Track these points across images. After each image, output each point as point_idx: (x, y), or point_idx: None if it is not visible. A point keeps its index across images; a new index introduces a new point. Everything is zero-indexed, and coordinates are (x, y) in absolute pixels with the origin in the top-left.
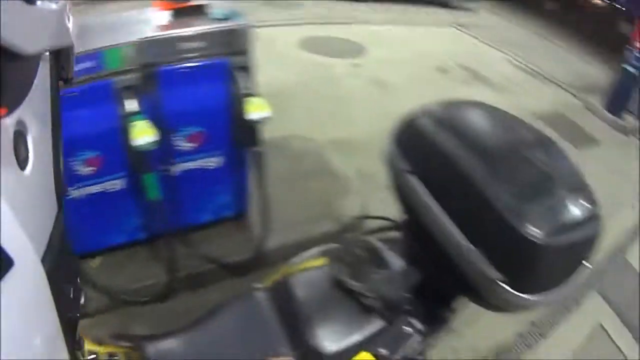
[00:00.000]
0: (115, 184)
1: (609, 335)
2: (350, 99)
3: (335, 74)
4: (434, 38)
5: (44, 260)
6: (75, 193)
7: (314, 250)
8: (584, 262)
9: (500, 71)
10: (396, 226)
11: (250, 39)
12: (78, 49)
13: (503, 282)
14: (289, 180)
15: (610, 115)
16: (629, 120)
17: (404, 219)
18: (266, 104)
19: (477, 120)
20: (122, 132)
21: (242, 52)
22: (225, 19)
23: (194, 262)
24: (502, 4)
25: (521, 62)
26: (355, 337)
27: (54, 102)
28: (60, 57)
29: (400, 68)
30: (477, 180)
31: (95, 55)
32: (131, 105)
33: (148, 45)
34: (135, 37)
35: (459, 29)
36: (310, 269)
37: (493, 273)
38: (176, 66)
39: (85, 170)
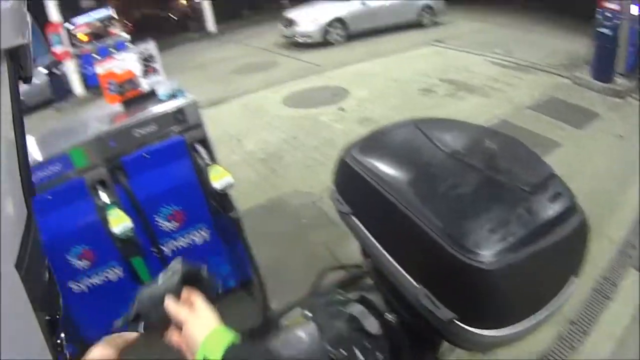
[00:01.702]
0: (114, 272)
1: None
2: (340, 143)
3: (321, 123)
4: (413, 61)
5: (17, 266)
6: (79, 287)
7: (296, 310)
8: (571, 274)
9: (484, 74)
10: (365, 273)
11: (198, 113)
12: (44, 155)
13: (460, 320)
14: (291, 236)
15: (600, 84)
16: (621, 82)
17: (367, 265)
18: (227, 171)
19: (408, 141)
20: (103, 224)
21: (195, 125)
22: (172, 97)
23: None
24: (476, 9)
25: (502, 59)
26: None
27: (14, 103)
28: (18, 56)
29: (384, 101)
30: (406, 208)
31: (62, 157)
32: (104, 197)
33: (107, 138)
34: (94, 134)
35: (436, 45)
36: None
37: (445, 312)
38: (138, 153)
39: (81, 264)
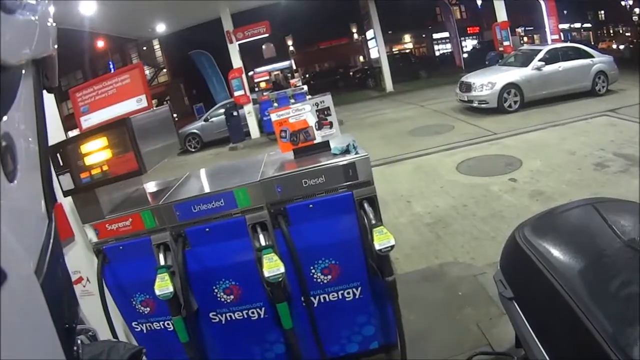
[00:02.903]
0: (257, 312)
1: None
2: (509, 216)
3: (492, 193)
4: (587, 132)
5: (37, 272)
6: (218, 318)
7: None
8: None
9: None
10: None
11: (370, 170)
12: (210, 189)
13: None
14: (444, 306)
15: None
16: None
17: (519, 354)
18: (390, 233)
19: (584, 225)
20: (257, 264)
21: (364, 183)
22: (345, 152)
23: None
24: None
25: None
26: None
27: (39, 112)
28: (43, 66)
29: (558, 174)
30: (575, 302)
31: (227, 194)
32: (262, 239)
33: (274, 183)
34: (262, 177)
35: (610, 115)
36: None
37: None
38: (303, 202)
39: (226, 297)
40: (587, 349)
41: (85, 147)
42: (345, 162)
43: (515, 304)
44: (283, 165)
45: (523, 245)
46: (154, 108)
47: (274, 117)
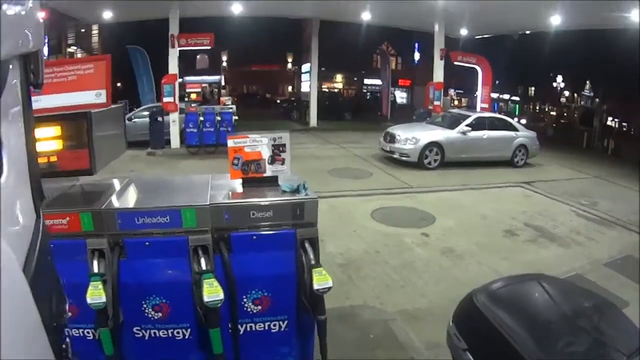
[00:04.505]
0: (182, 333)
1: None
2: (420, 268)
3: (404, 244)
4: (501, 200)
5: (25, 270)
6: (141, 333)
7: None
8: None
9: (567, 224)
10: None
11: (316, 212)
12: (157, 203)
13: None
14: (356, 348)
15: None
16: None
17: None
18: (329, 275)
19: (533, 296)
20: (193, 287)
21: (309, 224)
22: (294, 191)
23: None
24: (567, 156)
25: (586, 211)
26: None
27: (26, 109)
28: (29, 62)
29: (469, 235)
30: (526, 355)
31: (173, 212)
32: (203, 263)
33: (223, 210)
34: (210, 201)
35: (525, 187)
36: None
37: None
38: (248, 232)
39: (154, 314)
40: None
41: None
42: (294, 201)
43: (469, 354)
44: (232, 192)
45: (480, 306)
46: (111, 106)
47: (230, 143)
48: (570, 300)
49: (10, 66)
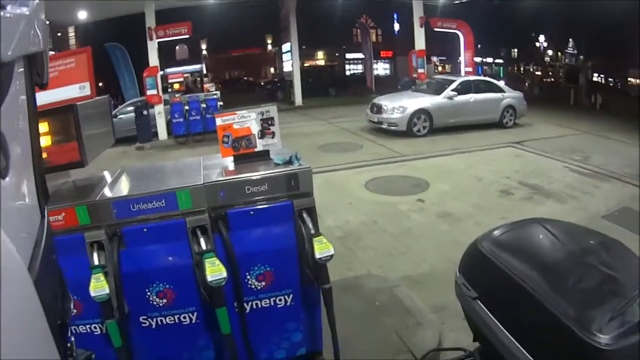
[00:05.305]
0: (188, 317)
1: None
2: (418, 234)
3: (401, 211)
4: (494, 161)
5: (30, 269)
6: (148, 322)
7: None
8: None
9: (561, 180)
10: (470, 355)
11: (311, 181)
12: (151, 189)
13: None
14: (363, 317)
15: None
16: None
17: (476, 347)
18: (330, 243)
19: (537, 238)
20: (194, 269)
21: (305, 194)
22: (287, 162)
23: None
24: (555, 114)
25: (579, 166)
26: None
27: (31, 109)
28: (34, 62)
29: (465, 198)
30: (539, 296)
31: (168, 195)
32: (203, 243)
33: (218, 188)
34: (205, 181)
35: (516, 147)
36: None
37: None
38: (245, 208)
39: (158, 301)
40: (554, 331)
41: None
42: (288, 172)
43: (480, 303)
44: (225, 170)
45: (487, 253)
46: (96, 98)
47: (218, 121)
48: (575, 239)
49: (17, 67)
